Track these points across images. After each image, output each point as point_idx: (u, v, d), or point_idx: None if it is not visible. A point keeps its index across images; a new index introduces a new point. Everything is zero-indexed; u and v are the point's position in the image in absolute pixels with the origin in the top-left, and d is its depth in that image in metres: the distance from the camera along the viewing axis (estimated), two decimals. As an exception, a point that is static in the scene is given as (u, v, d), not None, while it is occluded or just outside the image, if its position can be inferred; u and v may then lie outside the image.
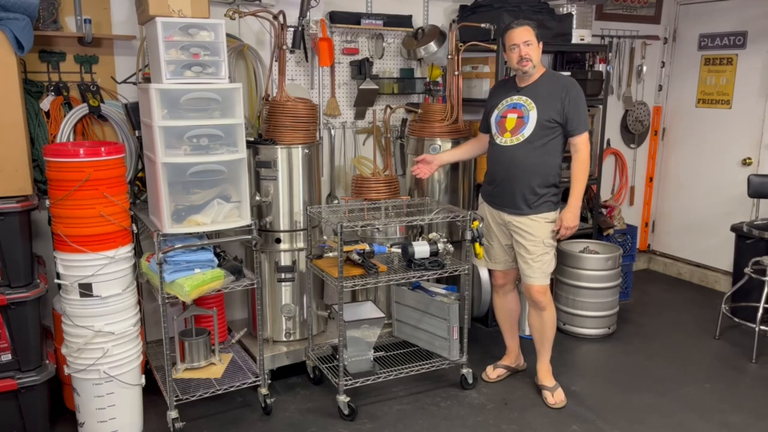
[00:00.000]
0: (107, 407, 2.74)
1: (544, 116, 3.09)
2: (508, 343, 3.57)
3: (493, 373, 3.51)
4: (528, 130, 3.11)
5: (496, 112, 3.22)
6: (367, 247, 3.16)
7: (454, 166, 3.78)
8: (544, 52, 4.49)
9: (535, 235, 3.18)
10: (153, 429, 3.00)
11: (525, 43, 3.06)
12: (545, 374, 3.40)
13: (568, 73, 3.98)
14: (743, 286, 3.98)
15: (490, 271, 3.56)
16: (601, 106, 4.26)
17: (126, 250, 2.73)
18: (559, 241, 3.29)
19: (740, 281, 3.98)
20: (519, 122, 3.13)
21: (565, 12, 4.14)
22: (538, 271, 3.21)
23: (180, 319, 3.20)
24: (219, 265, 2.93)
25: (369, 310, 3.40)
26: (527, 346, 3.62)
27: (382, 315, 3.28)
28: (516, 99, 3.17)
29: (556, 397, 3.31)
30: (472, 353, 3.59)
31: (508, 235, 3.29)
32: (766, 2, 4.57)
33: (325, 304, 3.66)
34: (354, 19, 3.78)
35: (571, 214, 3.15)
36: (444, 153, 3.56)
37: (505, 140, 3.17)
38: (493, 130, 3.23)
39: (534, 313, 3.35)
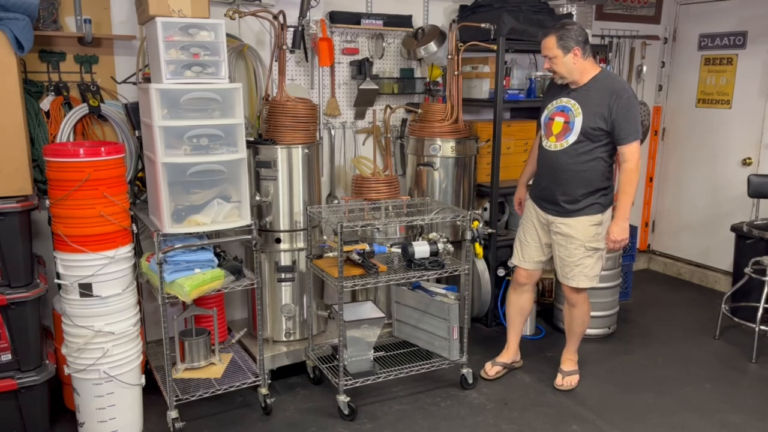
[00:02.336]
0: (107, 407, 2.74)
1: (589, 123, 3.01)
2: (510, 339, 3.58)
3: (491, 370, 3.51)
4: (572, 136, 3.05)
5: (545, 113, 3.19)
6: (367, 247, 3.16)
7: (454, 166, 3.78)
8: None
9: (577, 237, 3.14)
10: (153, 429, 3.00)
11: (547, 58, 3.05)
12: (566, 361, 3.51)
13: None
14: (743, 286, 3.98)
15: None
16: (601, 106, 4.26)
17: (126, 250, 2.73)
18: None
19: (740, 281, 3.98)
20: (565, 127, 3.08)
21: (565, 12, 4.14)
22: (579, 275, 3.19)
23: (180, 319, 3.20)
24: (219, 265, 2.92)
25: (369, 310, 3.40)
26: (525, 344, 3.62)
27: (382, 315, 3.28)
28: (565, 102, 3.10)
29: (564, 381, 3.41)
30: (472, 353, 3.59)
31: (548, 236, 3.29)
32: (766, 2, 4.56)
33: (325, 304, 3.66)
34: (354, 19, 3.78)
35: (618, 228, 3.08)
36: (522, 178, 3.48)
37: (550, 144, 3.15)
38: (542, 131, 3.22)
39: (566, 307, 3.41)
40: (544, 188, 3.22)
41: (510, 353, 3.58)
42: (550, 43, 3.01)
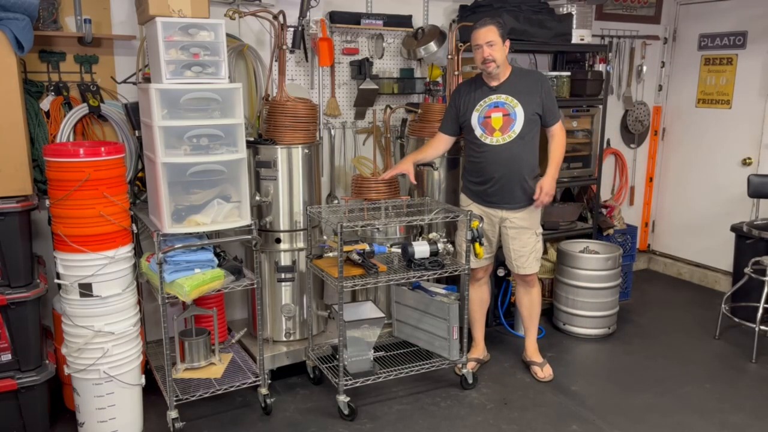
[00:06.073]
0: (107, 407, 2.74)
1: (530, 111, 3.20)
2: (476, 335, 3.66)
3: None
4: (518, 126, 3.20)
5: (475, 114, 3.26)
6: (367, 247, 3.16)
7: (454, 166, 3.78)
8: (544, 52, 4.55)
9: (530, 227, 3.34)
10: (153, 429, 3.00)
11: (488, 44, 3.11)
12: (534, 351, 3.61)
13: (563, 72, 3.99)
14: (743, 286, 3.98)
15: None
16: (601, 106, 4.26)
17: (126, 250, 2.73)
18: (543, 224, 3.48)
19: (740, 281, 3.97)
20: (507, 120, 3.21)
21: (565, 12, 4.14)
22: (533, 260, 3.40)
23: (180, 319, 3.20)
24: (219, 265, 2.92)
25: (369, 310, 3.40)
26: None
27: (382, 315, 3.28)
28: (495, 98, 3.23)
29: (545, 372, 3.51)
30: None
31: (497, 232, 3.40)
32: (766, 2, 4.56)
33: (325, 304, 3.66)
34: (354, 19, 3.78)
35: (551, 178, 3.27)
36: (415, 156, 3.46)
37: (496, 139, 3.23)
38: (478, 131, 3.26)
39: (524, 291, 3.54)
40: (495, 183, 3.28)
41: (479, 348, 3.66)
42: (493, 31, 3.12)
